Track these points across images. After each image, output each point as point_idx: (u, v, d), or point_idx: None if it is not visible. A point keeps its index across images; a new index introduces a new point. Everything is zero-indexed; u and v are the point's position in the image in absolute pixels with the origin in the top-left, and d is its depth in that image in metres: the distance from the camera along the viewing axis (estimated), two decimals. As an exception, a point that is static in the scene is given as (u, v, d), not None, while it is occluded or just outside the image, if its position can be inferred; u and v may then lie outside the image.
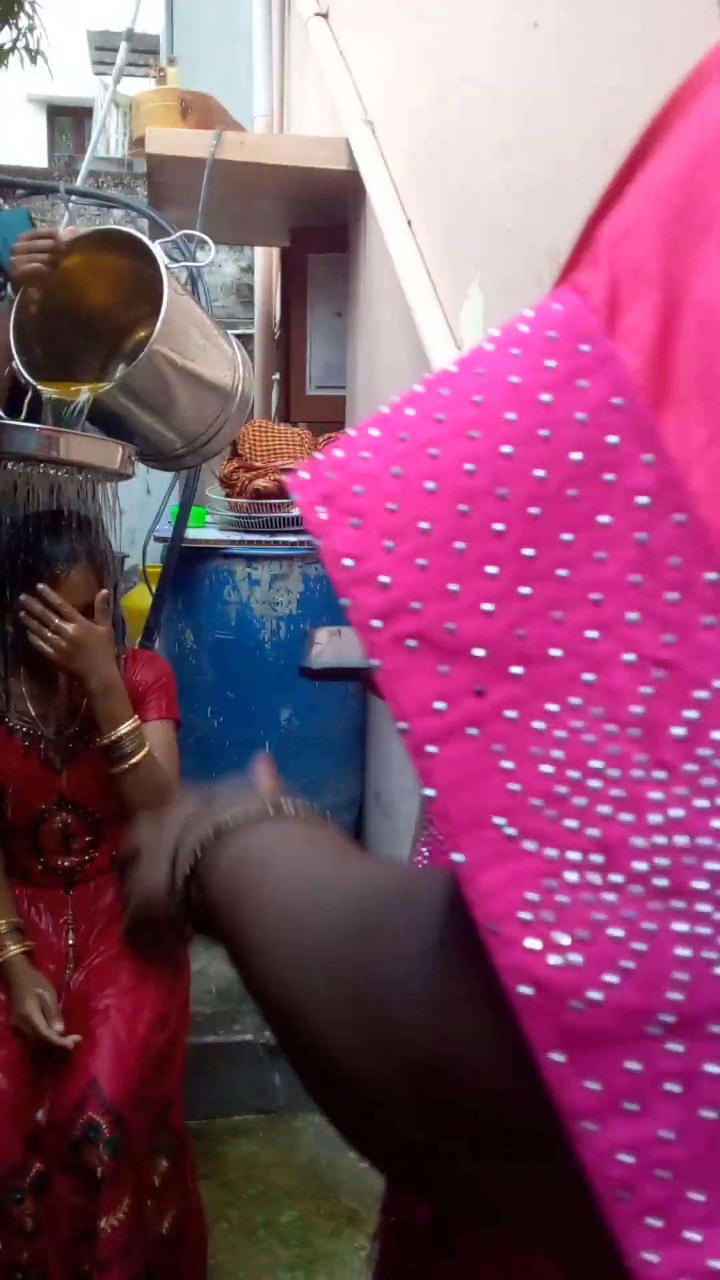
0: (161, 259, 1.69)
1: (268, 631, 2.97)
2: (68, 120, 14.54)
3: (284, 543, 2.97)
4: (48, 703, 1.81)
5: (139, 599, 3.32)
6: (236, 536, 3.01)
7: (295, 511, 3.02)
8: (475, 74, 2.13)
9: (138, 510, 2.98)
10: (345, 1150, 2.12)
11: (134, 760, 1.69)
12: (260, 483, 3.05)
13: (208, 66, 7.98)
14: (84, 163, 4.87)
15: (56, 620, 1.65)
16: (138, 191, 4.98)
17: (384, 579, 0.34)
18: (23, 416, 1.75)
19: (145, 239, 1.72)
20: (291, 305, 3.74)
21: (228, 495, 3.10)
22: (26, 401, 1.77)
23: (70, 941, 1.81)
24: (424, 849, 0.65)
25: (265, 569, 2.97)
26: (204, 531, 3.08)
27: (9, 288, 1.82)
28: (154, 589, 2.93)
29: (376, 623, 0.33)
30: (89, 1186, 1.52)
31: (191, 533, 2.96)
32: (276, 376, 4.27)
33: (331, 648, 0.79)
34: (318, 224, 3.64)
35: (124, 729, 1.69)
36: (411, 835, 2.20)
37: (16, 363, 1.75)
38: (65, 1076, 1.59)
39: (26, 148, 12.66)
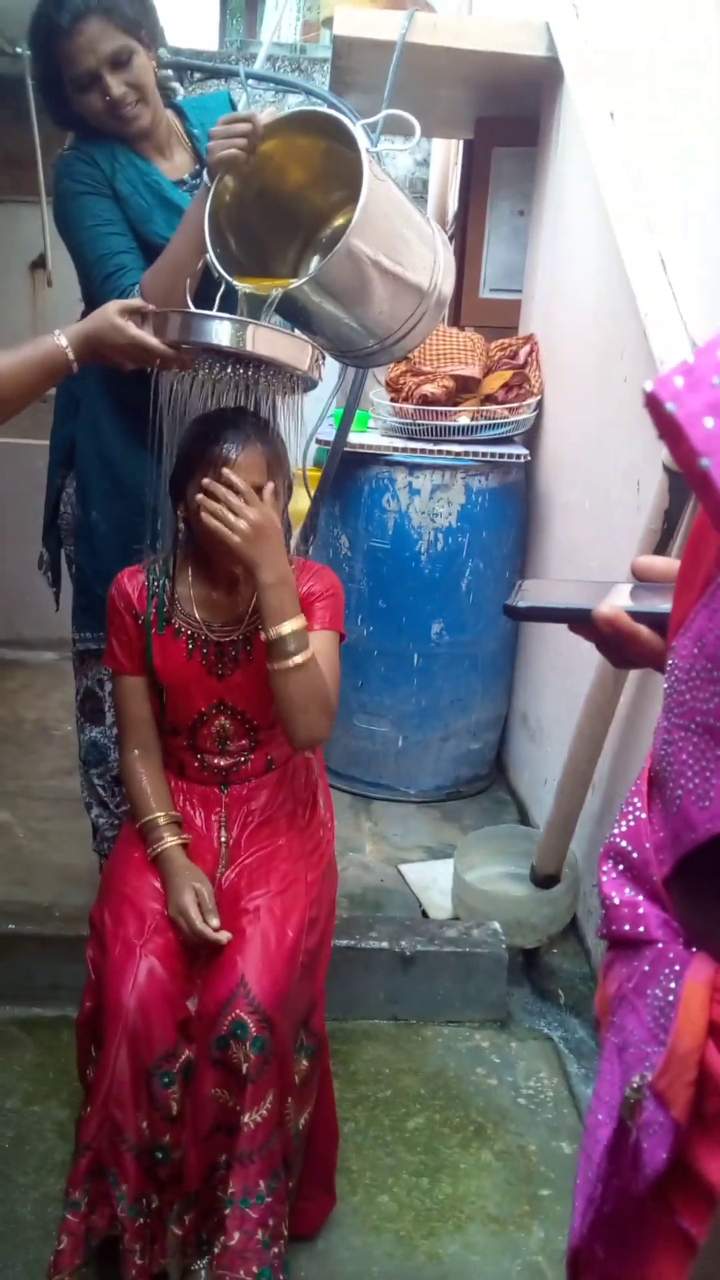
0: (363, 143, 1.60)
1: (425, 543, 2.92)
2: (240, 2, 14.20)
3: (448, 452, 2.89)
4: (213, 607, 1.80)
5: (297, 503, 3.30)
6: (399, 443, 2.94)
7: (461, 420, 2.93)
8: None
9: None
10: (475, 1064, 2.13)
11: (295, 660, 1.65)
12: (428, 388, 2.96)
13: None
14: (263, 47, 4.74)
15: (238, 502, 1.62)
16: (315, 77, 4.83)
17: None
18: (215, 309, 1.70)
19: (348, 121, 1.62)
20: (470, 201, 3.58)
21: (393, 400, 3.02)
22: (219, 295, 1.71)
23: (223, 839, 1.83)
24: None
25: (427, 478, 2.90)
26: (366, 436, 3.01)
27: (205, 174, 1.75)
28: (312, 493, 2.89)
29: None
30: (233, 1081, 1.55)
31: (353, 437, 2.90)
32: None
33: (536, 591, 0.80)
34: (506, 114, 3.45)
35: (290, 626, 1.65)
36: (561, 759, 2.14)
37: (210, 254, 1.69)
38: (215, 971, 1.61)
39: (197, 30, 12.43)
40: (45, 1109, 2.02)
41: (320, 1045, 1.75)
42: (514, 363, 3.04)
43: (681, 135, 2.05)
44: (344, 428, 2.85)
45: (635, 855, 0.66)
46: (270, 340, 1.56)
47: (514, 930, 2.35)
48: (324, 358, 1.66)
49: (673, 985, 0.60)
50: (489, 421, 2.93)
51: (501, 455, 2.89)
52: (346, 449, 2.88)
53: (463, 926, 2.34)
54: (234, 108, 2.13)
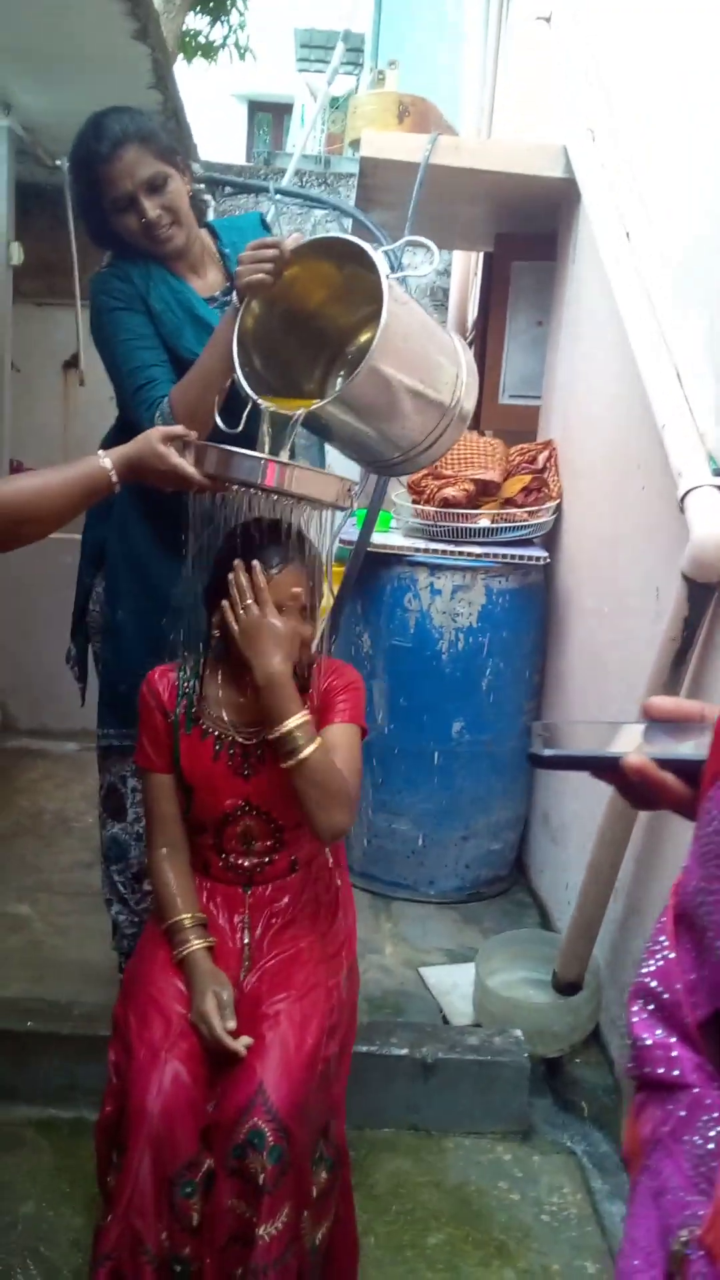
0: (384, 269, 1.67)
1: (446, 642, 2.95)
2: (267, 116, 14.84)
3: (468, 554, 2.95)
4: (241, 709, 1.84)
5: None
6: (421, 544, 3.00)
7: (482, 523, 2.99)
8: (708, 84, 2.05)
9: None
10: (497, 1177, 2.09)
11: (304, 754, 1.69)
12: (449, 491, 3.02)
13: (414, 66, 7.99)
14: (291, 161, 4.95)
15: (249, 599, 1.69)
16: (340, 191, 5.02)
17: None
18: (240, 428, 1.77)
19: (370, 248, 1.69)
20: (490, 311, 3.70)
21: (414, 501, 3.09)
22: (245, 414, 1.79)
23: (245, 940, 1.83)
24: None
25: (448, 579, 2.95)
26: (388, 536, 3.07)
27: (235, 296, 1.83)
28: (334, 591, 2.94)
29: None
30: (250, 1192, 1.53)
31: (376, 537, 2.97)
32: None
33: (557, 737, 0.79)
34: (526, 230, 3.59)
35: (291, 723, 1.69)
36: (582, 863, 2.13)
37: (238, 373, 1.76)
38: (234, 1078, 1.60)
39: (227, 142, 12.97)
40: (60, 1215, 1.98)
41: (340, 1157, 1.73)
42: (533, 467, 3.11)
43: (697, 257, 2.14)
44: (367, 528, 2.92)
45: (666, 996, 0.65)
46: (303, 479, 1.64)
47: (536, 1038, 2.31)
48: (354, 487, 1.73)
49: (712, 1134, 0.60)
50: (509, 524, 2.99)
51: (521, 557, 2.94)
52: (369, 548, 2.94)
53: (485, 1034, 2.31)
54: (266, 228, 2.22)
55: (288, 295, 1.86)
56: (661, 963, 0.67)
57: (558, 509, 3.05)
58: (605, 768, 0.74)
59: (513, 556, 2.94)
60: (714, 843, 0.60)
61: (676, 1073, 0.64)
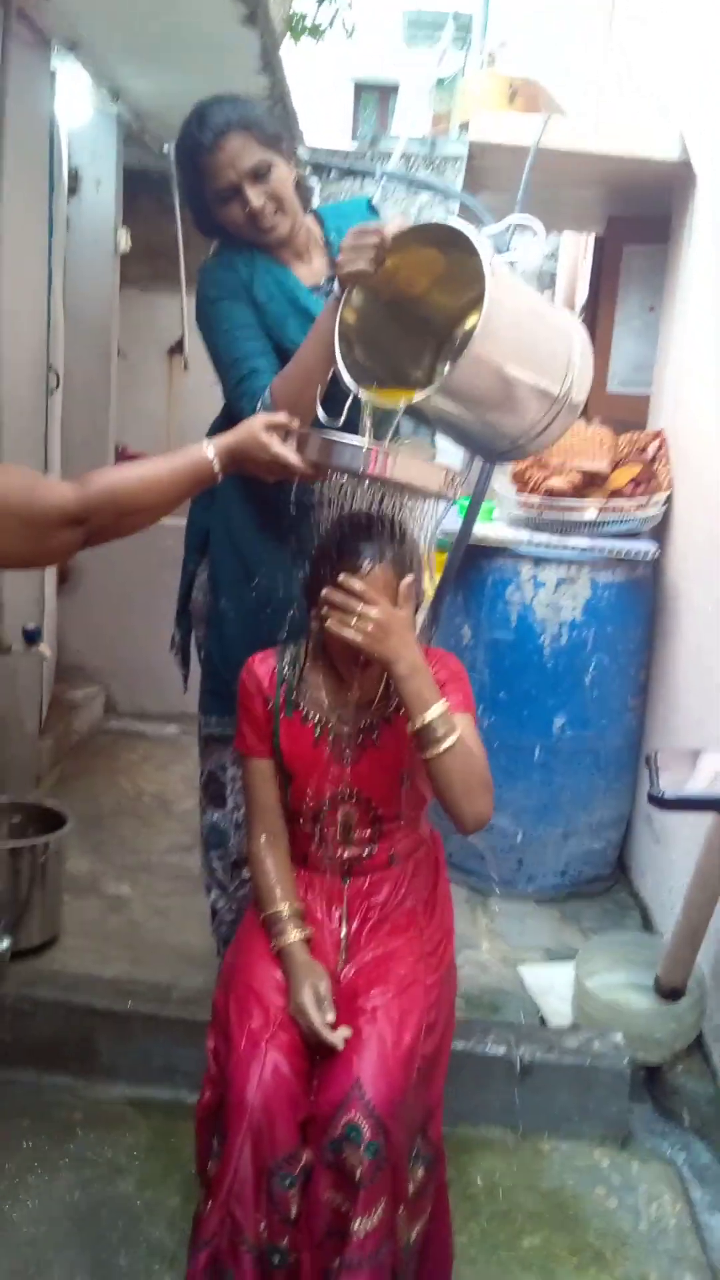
0: (486, 256, 1.61)
1: (548, 636, 2.91)
2: (373, 97, 14.76)
3: (573, 546, 2.89)
4: (341, 695, 1.82)
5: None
6: (524, 535, 2.95)
7: (588, 514, 2.93)
8: None
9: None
10: (594, 1183, 2.06)
11: (446, 744, 1.65)
12: (554, 481, 2.97)
13: (525, 45, 7.86)
14: (398, 143, 4.91)
15: (360, 605, 1.65)
16: (445, 173, 4.96)
17: None
18: (343, 419, 1.75)
19: (473, 233, 1.64)
20: (600, 296, 3.62)
21: (519, 492, 3.03)
22: (348, 404, 1.76)
23: (343, 933, 1.82)
24: None
25: (551, 571, 2.90)
26: (491, 527, 3.03)
27: (335, 284, 1.81)
28: (436, 579, 2.91)
29: None
30: (347, 1186, 1.53)
31: (478, 528, 2.92)
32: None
33: (676, 769, 0.75)
34: (638, 213, 3.49)
35: (435, 711, 1.66)
36: (688, 867, 2.07)
37: (340, 365, 1.74)
38: (331, 1071, 1.60)
39: (332, 124, 12.94)
40: (158, 1195, 2.01)
41: (437, 1156, 1.71)
42: (642, 458, 3.04)
43: None
44: (470, 519, 2.88)
45: None
46: (406, 467, 1.59)
47: (637, 1044, 2.27)
48: (460, 478, 1.69)
49: None
50: (616, 516, 2.92)
51: (628, 551, 2.88)
52: (471, 540, 2.90)
53: (584, 1036, 2.27)
54: (374, 212, 2.19)
55: (392, 282, 1.82)
56: None
57: (668, 501, 2.97)
58: None
59: (620, 550, 2.87)
60: None
61: None
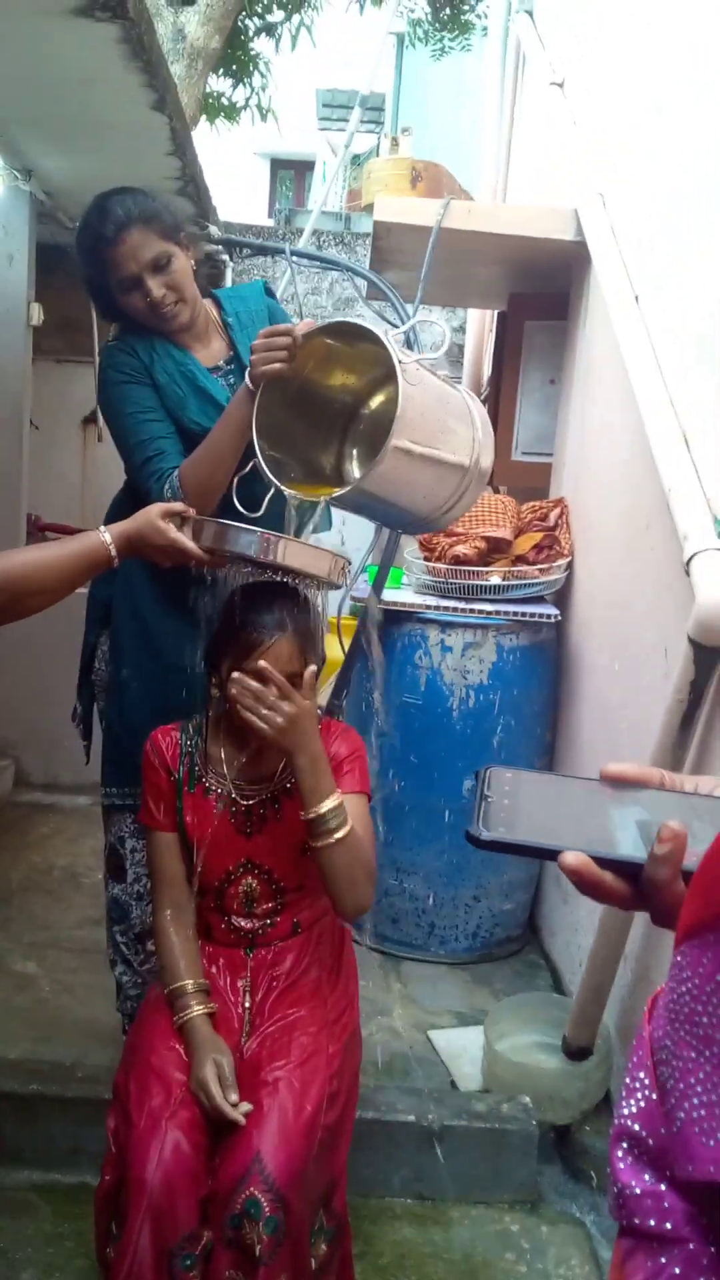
0: (396, 355, 1.69)
1: (456, 699, 2.95)
2: (289, 173, 15.11)
3: (480, 611, 2.95)
4: (241, 769, 1.84)
5: (330, 652, 3.36)
6: (432, 600, 3.01)
7: (493, 580, 3.00)
8: (715, 149, 2.09)
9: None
10: (504, 1249, 2.05)
11: (337, 835, 1.70)
12: (460, 549, 3.04)
13: (432, 128, 8.15)
14: (309, 221, 5.04)
15: (272, 698, 1.67)
16: (356, 250, 5.10)
17: None
18: (263, 511, 1.81)
19: (382, 334, 1.73)
20: (504, 369, 3.73)
21: (426, 559, 3.10)
22: (267, 499, 1.82)
23: (246, 1005, 1.82)
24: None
25: (459, 636, 2.95)
26: (399, 593, 3.08)
27: (248, 379, 1.86)
28: (344, 644, 2.94)
29: None
30: (246, 1263, 1.51)
31: (386, 594, 2.98)
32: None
33: (501, 814, 0.74)
34: (538, 291, 3.63)
35: (329, 804, 1.70)
36: (594, 925, 2.09)
37: (261, 463, 1.80)
38: (231, 1147, 1.58)
39: (249, 200, 13.21)
40: (59, 1285, 1.96)
41: (341, 1228, 1.70)
42: (544, 525, 3.12)
43: (703, 319, 2.16)
44: (378, 586, 2.93)
45: (651, 1141, 0.60)
46: (298, 553, 1.68)
47: (546, 1105, 2.28)
48: (349, 564, 1.76)
49: None
50: (520, 581, 3.00)
51: (533, 615, 2.95)
52: (380, 605, 2.95)
53: (493, 1100, 2.28)
54: (270, 294, 2.27)
55: (300, 372, 1.90)
56: (643, 1103, 0.62)
57: (569, 567, 3.06)
58: (547, 859, 0.69)
59: (524, 614, 2.94)
60: (689, 1007, 0.56)
61: (669, 1225, 0.59)
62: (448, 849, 2.98)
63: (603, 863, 0.67)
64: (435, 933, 3.03)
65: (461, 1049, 2.55)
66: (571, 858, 0.67)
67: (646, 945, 2.21)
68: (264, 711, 1.67)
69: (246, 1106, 1.61)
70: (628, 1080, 0.62)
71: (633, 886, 0.67)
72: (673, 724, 1.97)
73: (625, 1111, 0.61)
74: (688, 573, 1.88)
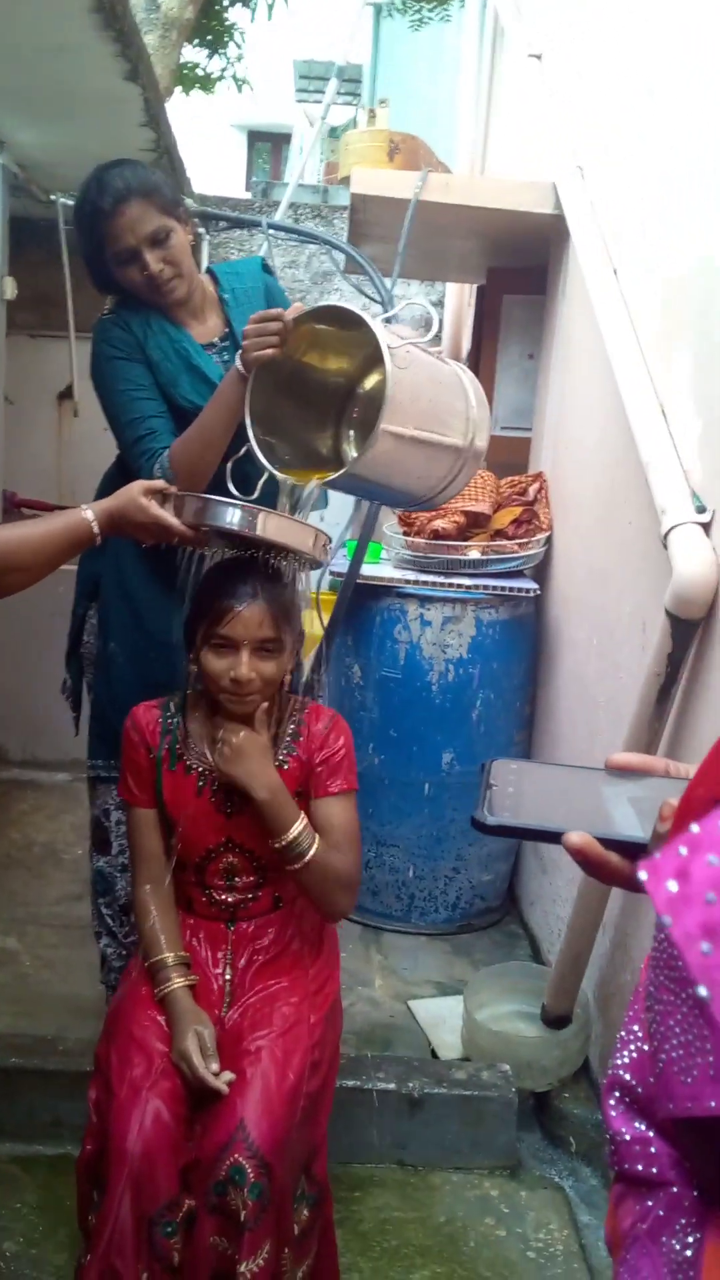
0: (384, 340, 1.69)
1: (436, 673, 2.96)
2: (266, 145, 14.97)
3: (458, 585, 2.96)
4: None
5: (307, 625, 3.36)
6: (411, 575, 3.01)
7: (472, 554, 3.01)
8: (700, 125, 2.08)
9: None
10: (484, 1214, 2.08)
11: (308, 857, 1.74)
12: (440, 523, 3.04)
13: (410, 100, 8.08)
14: (286, 194, 5.00)
15: (221, 730, 1.73)
16: (334, 223, 5.06)
17: None
18: (257, 493, 1.81)
19: (370, 319, 1.72)
20: (483, 344, 3.73)
21: (405, 533, 3.10)
22: (261, 481, 1.82)
23: (227, 977, 1.83)
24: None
25: (438, 610, 2.96)
26: (378, 568, 3.09)
27: (239, 362, 1.85)
28: (323, 619, 2.94)
29: None
30: (231, 1229, 1.52)
31: (366, 568, 2.98)
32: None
33: (507, 796, 0.75)
34: (516, 265, 3.62)
35: (294, 832, 1.73)
36: (573, 895, 2.12)
37: (255, 447, 1.80)
38: (214, 1115, 1.60)
39: (226, 172, 13.09)
40: (43, 1252, 1.97)
41: (322, 1194, 1.72)
42: (523, 499, 3.13)
43: (681, 294, 2.16)
44: (357, 561, 2.93)
45: (640, 1090, 0.63)
46: (280, 527, 1.67)
47: (525, 1073, 2.31)
48: (330, 541, 1.76)
49: (690, 1240, 0.58)
50: (499, 556, 3.00)
51: (511, 589, 2.96)
52: (359, 580, 2.95)
53: (472, 1068, 2.30)
54: (268, 271, 2.25)
55: (293, 355, 1.89)
56: (635, 1054, 0.64)
57: (548, 541, 3.07)
58: (550, 841, 0.71)
59: (503, 588, 2.95)
60: (664, 950, 0.58)
61: (655, 1170, 0.62)
62: (427, 822, 3.00)
63: (606, 843, 0.69)
64: (415, 904, 3.05)
65: (441, 1018, 2.57)
66: (576, 837, 0.69)
67: (625, 913, 2.23)
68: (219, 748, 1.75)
69: (229, 1076, 1.62)
70: (622, 1033, 0.65)
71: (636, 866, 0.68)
72: (650, 696, 1.99)
73: (618, 1062, 0.65)
74: (665, 546, 1.90)
